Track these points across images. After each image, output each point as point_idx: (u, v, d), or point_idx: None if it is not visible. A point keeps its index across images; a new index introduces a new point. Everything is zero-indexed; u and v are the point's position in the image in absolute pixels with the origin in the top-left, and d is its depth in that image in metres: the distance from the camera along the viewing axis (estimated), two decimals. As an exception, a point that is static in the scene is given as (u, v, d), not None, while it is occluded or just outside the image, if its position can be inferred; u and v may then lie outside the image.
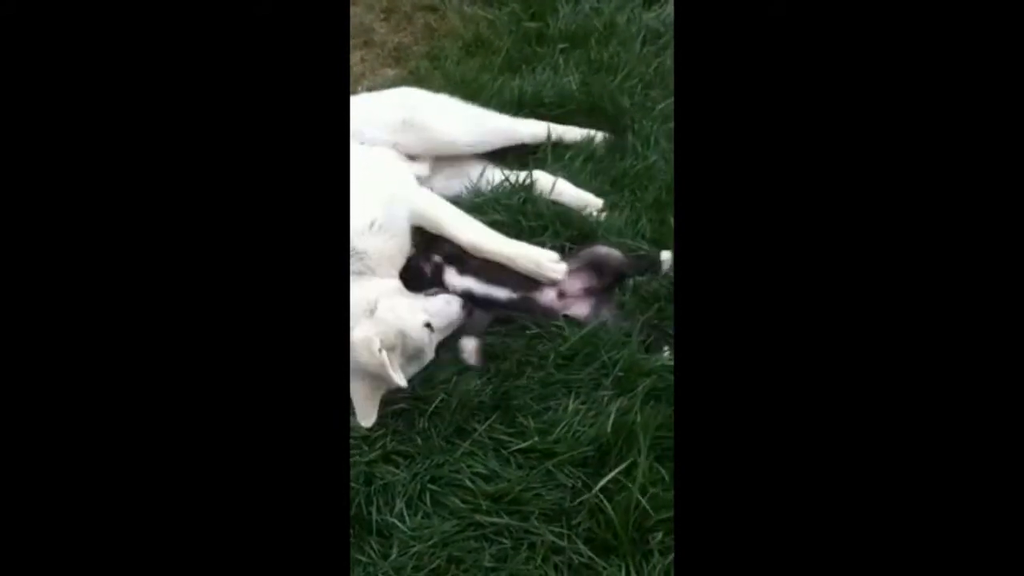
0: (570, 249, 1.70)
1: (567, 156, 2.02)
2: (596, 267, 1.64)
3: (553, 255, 1.63)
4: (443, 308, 1.55)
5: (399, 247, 1.65)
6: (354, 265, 1.56)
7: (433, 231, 1.67)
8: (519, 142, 1.98)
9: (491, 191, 1.86)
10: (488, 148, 1.93)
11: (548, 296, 1.61)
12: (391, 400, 1.46)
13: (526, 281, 1.61)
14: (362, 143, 1.78)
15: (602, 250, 1.67)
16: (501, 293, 1.60)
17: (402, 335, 1.46)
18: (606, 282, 1.64)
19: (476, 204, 1.83)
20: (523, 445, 1.39)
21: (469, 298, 1.59)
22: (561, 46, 2.37)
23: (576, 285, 1.63)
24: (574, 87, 2.17)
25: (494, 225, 1.72)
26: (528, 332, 1.57)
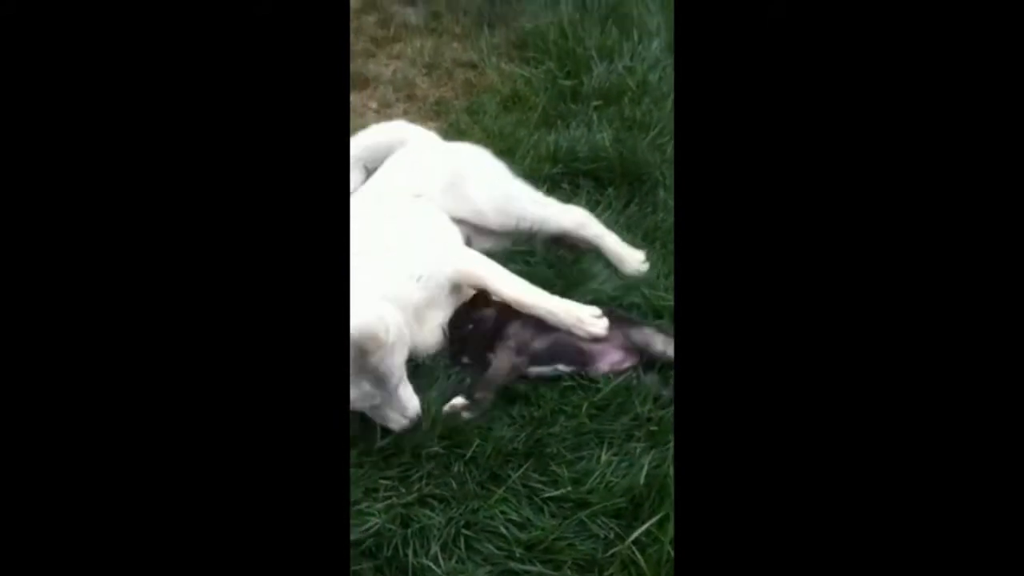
0: (619, 318, 1.72)
1: (599, 208, 2.09)
2: (641, 350, 1.66)
3: (595, 310, 1.66)
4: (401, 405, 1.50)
5: (432, 301, 1.69)
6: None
7: (478, 287, 1.71)
8: (557, 231, 1.95)
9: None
10: (518, 231, 1.93)
11: (598, 372, 1.64)
12: (423, 443, 1.50)
13: (578, 357, 1.64)
14: (418, 196, 1.86)
15: (655, 336, 1.67)
16: (551, 370, 1.64)
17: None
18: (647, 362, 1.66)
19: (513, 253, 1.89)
20: (556, 493, 1.42)
21: (521, 377, 1.63)
22: (595, 103, 2.47)
23: (624, 362, 1.66)
24: (607, 143, 2.25)
25: (530, 275, 1.77)
26: (563, 382, 1.62)
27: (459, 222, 1.90)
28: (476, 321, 1.68)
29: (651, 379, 1.61)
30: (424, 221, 1.82)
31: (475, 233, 1.93)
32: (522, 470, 1.46)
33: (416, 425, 1.50)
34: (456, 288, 1.72)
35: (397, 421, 1.50)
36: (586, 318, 1.64)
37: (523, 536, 1.36)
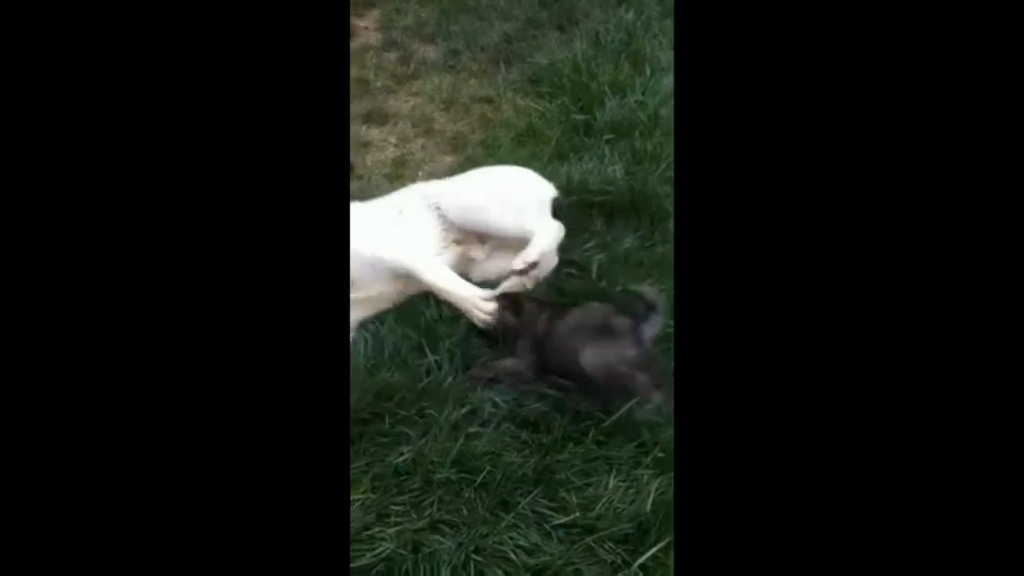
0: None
1: (609, 238, 2.13)
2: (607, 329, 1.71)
3: (484, 292, 1.82)
4: None
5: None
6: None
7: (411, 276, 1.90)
8: None
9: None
10: None
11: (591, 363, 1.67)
12: (436, 467, 1.54)
13: (565, 362, 1.69)
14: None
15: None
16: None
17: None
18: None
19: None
20: (565, 520, 1.44)
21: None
22: (607, 137, 2.52)
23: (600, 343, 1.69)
24: (618, 175, 2.30)
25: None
26: (570, 407, 1.64)
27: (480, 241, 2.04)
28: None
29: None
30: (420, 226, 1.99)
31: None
32: (531, 496, 1.48)
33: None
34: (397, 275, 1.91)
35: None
36: (478, 303, 1.80)
37: (531, 561, 1.38)
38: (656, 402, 1.60)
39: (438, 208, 2.01)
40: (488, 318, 1.78)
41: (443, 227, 2.01)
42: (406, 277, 1.91)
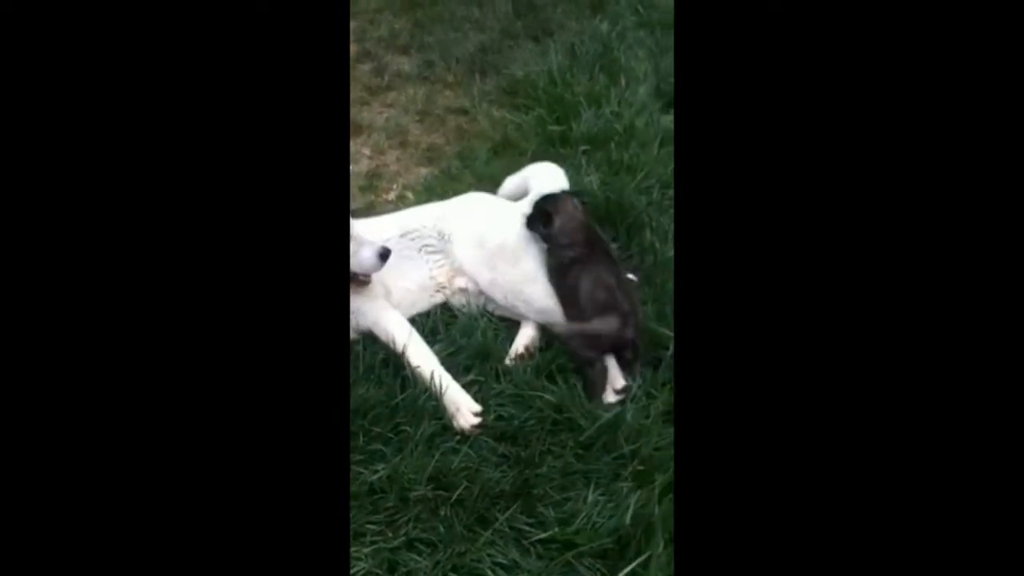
0: None
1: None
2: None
3: (476, 407, 1.66)
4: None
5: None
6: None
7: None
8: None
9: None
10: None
11: None
12: (412, 484, 1.51)
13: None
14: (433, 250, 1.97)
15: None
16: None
17: None
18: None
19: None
20: (543, 535, 1.42)
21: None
22: (583, 148, 2.52)
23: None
24: (595, 186, 2.29)
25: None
26: (549, 419, 1.63)
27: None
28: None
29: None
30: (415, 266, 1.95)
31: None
32: (509, 512, 1.46)
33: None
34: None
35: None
36: (463, 409, 1.66)
37: (510, 579, 1.35)
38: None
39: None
40: (474, 431, 1.62)
41: (450, 267, 1.96)
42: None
